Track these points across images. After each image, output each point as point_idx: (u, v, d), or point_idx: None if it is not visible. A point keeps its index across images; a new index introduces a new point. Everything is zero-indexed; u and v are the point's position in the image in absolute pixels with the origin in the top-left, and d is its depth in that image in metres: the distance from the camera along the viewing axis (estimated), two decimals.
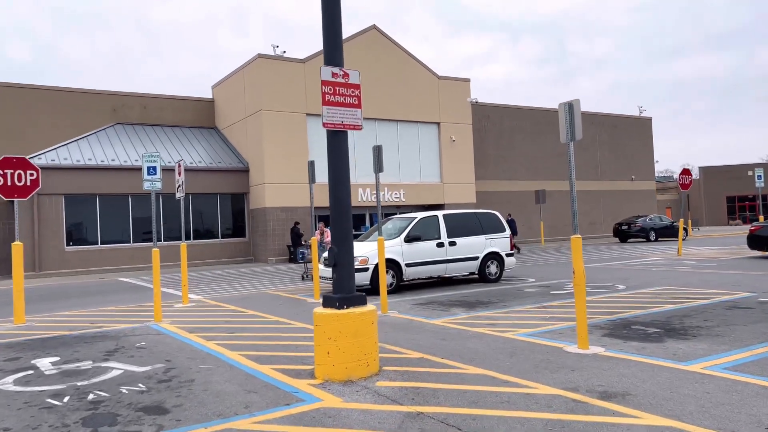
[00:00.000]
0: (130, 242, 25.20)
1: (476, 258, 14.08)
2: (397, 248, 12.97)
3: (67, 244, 23.94)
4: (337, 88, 6.23)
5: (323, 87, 6.17)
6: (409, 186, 29.86)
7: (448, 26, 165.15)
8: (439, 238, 13.61)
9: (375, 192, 29.48)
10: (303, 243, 25.52)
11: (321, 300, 12.59)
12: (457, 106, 31.64)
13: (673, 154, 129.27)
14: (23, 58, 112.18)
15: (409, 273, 13.09)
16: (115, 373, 6.70)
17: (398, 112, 29.69)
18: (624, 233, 32.62)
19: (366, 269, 12.54)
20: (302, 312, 10.78)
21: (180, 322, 10.18)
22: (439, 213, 14.01)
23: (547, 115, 37.71)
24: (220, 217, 27.47)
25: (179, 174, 12.62)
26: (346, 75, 6.26)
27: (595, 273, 15.62)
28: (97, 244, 24.56)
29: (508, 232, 14.78)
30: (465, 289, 13.23)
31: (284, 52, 27.68)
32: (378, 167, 10.53)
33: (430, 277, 13.65)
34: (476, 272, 14.18)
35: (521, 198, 35.84)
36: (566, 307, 10.08)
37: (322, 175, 28.84)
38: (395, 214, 31.69)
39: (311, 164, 12.93)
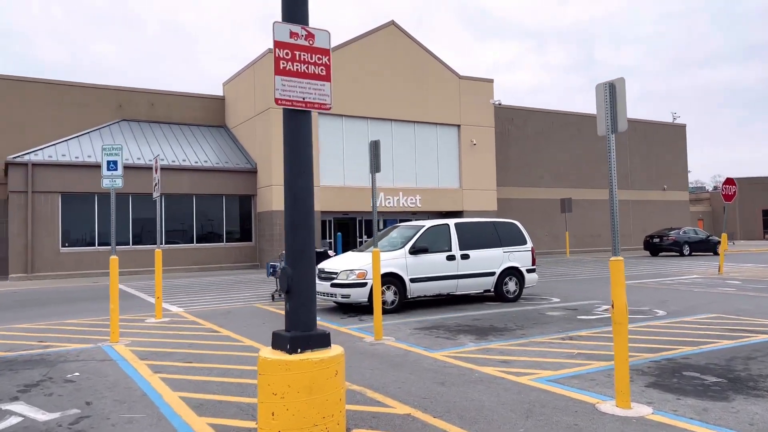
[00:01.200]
0: (129, 244, 23.96)
1: (492, 274, 12.37)
2: (400, 261, 11.34)
3: (63, 245, 22.77)
4: (298, 53, 4.66)
5: (277, 50, 4.60)
6: (425, 191, 28.20)
7: (473, 33, 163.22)
8: (450, 250, 11.94)
9: (389, 197, 28.03)
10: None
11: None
12: (479, 107, 29.91)
13: (703, 164, 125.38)
14: (56, 59, 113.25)
15: (414, 289, 11.44)
16: (10, 422, 5.18)
17: (416, 113, 28.08)
18: (655, 246, 30.50)
19: (364, 284, 10.93)
20: None
21: (138, 344, 8.67)
22: (451, 221, 12.34)
23: (575, 119, 35.75)
24: (225, 220, 26.13)
25: (155, 171, 11.16)
26: (310, 36, 4.67)
27: (628, 293, 13.80)
28: (94, 245, 23.35)
29: (529, 244, 13.04)
30: (478, 310, 11.52)
31: None
32: (375, 166, 8.93)
33: (439, 295, 11.96)
34: (492, 290, 12.47)
35: (545, 206, 33.91)
36: (597, 339, 8.34)
37: (329, 176, 27.59)
38: (410, 220, 30.02)
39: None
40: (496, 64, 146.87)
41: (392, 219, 29.19)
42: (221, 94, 30.27)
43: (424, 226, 12.04)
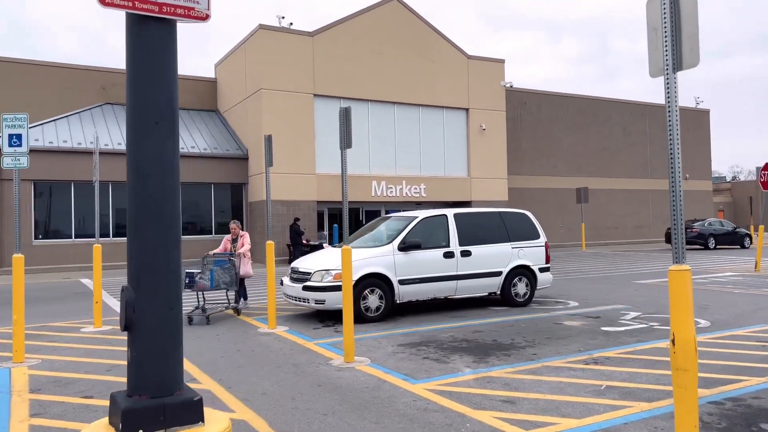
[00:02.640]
0: (109, 236, 22.26)
1: (498, 273, 10.44)
2: (387, 259, 9.44)
3: (36, 237, 21.11)
4: None
5: None
6: (431, 180, 26.23)
7: (488, 24, 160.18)
8: (448, 245, 10.02)
9: (392, 186, 26.11)
10: (305, 243, 22.21)
11: (275, 329, 9.26)
12: (488, 90, 27.83)
13: (721, 155, 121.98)
14: (71, 50, 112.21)
15: (403, 293, 9.54)
16: None
17: (421, 96, 26.06)
18: None
19: (339, 286, 9.04)
20: (228, 353, 7.37)
21: (45, 366, 6.89)
22: (449, 212, 10.41)
23: (592, 104, 33.51)
24: (214, 210, 24.35)
25: (95, 153, 9.35)
26: None
27: (656, 294, 11.79)
28: (71, 237, 21.67)
29: (542, 238, 11.08)
30: (480, 318, 9.60)
31: (291, 24, 24.34)
32: (346, 141, 7.03)
33: (435, 299, 10.04)
34: (498, 292, 10.54)
35: (560, 196, 31.81)
36: (630, 363, 6.41)
37: (326, 163, 25.66)
38: (400, 211, 27.87)
39: (268, 140, 9.45)
40: (510, 55, 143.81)
41: (395, 210, 27.25)
42: (213, 77, 28.43)
43: (416, 217, 10.12)
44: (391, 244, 9.59)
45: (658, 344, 7.40)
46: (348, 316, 6.80)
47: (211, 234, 24.12)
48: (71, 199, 21.76)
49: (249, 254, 10.89)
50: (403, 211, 25.15)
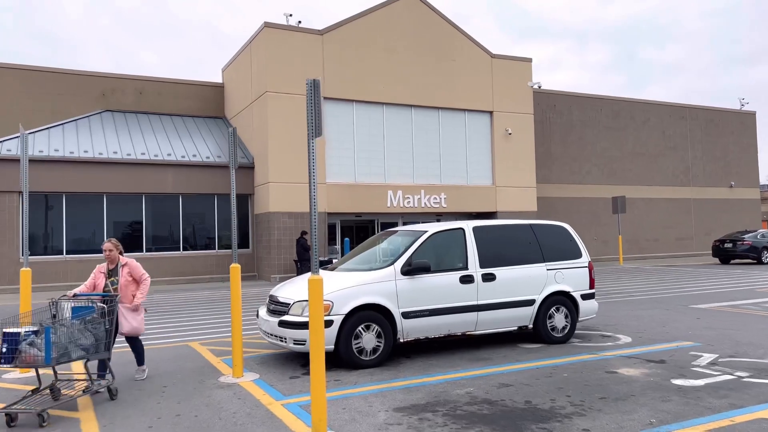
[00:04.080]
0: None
1: (530, 302, 8.29)
2: (387, 285, 7.37)
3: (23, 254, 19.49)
4: None
5: None
6: (452, 189, 24.11)
7: (512, 33, 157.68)
8: (466, 267, 7.92)
9: (409, 196, 24.05)
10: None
11: (240, 377, 7.21)
12: (515, 91, 25.68)
13: (760, 162, 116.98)
14: (103, 66, 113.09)
15: (409, 329, 7.46)
16: None
17: (441, 98, 24.04)
18: (727, 253, 25.70)
19: (329, 323, 7.01)
20: (163, 418, 5.37)
21: None
22: (467, 224, 8.31)
23: (627, 106, 31.07)
24: (217, 223, 22.57)
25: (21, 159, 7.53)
26: None
27: (725, 325, 9.48)
28: (62, 254, 20.05)
29: (585, 257, 8.91)
30: (508, 361, 7.46)
31: (299, 22, 22.58)
32: (315, 128, 5.03)
33: (449, 335, 7.91)
34: (530, 326, 8.38)
35: (594, 206, 29.37)
36: None
37: (338, 172, 23.59)
38: (417, 223, 25.58)
39: (233, 133, 7.45)
40: (536, 64, 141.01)
41: (412, 222, 25.19)
42: (220, 81, 26.82)
43: (425, 231, 8.04)
44: (392, 266, 7.52)
45: (764, 413, 5.19)
46: (316, 361, 4.76)
47: (215, 249, 22.32)
48: (62, 212, 20.17)
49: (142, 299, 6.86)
50: (422, 223, 23.09)
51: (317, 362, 4.81)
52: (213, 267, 22.04)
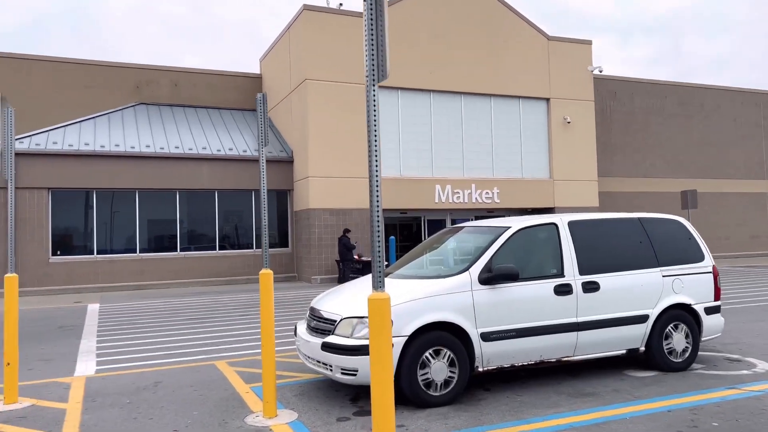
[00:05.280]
0: (135, 251, 19.47)
1: (642, 319, 6.45)
2: (462, 297, 5.67)
3: (53, 254, 18.54)
4: None
5: None
6: (505, 183, 22.20)
7: (552, 28, 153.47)
8: (561, 274, 6.15)
9: (458, 190, 22.25)
10: (356, 259, 18.71)
11: (273, 418, 4.95)
12: (573, 76, 23.58)
13: None
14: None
15: (490, 354, 5.73)
16: None
17: (493, 84, 22.15)
18: None
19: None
20: None
21: None
22: (561, 219, 6.53)
23: (695, 92, 28.52)
24: (255, 221, 21.22)
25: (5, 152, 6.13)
26: None
27: None
28: (92, 253, 19.00)
29: (708, 260, 7.01)
30: (623, 404, 5.66)
31: (340, 4, 21.02)
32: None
33: (540, 362, 6.12)
34: (642, 348, 6.53)
35: (660, 201, 26.98)
36: None
37: (385, 165, 21.84)
38: (487, 218, 23.62)
39: (261, 99, 5.79)
40: None
41: (463, 220, 23.38)
42: (258, 72, 25.53)
43: (507, 228, 6.29)
44: (467, 272, 5.81)
45: None
46: (386, 416, 3.10)
47: (252, 248, 20.98)
48: (93, 210, 19.12)
49: None
50: (473, 220, 21.24)
51: (383, 415, 3.15)
52: (251, 267, 20.70)
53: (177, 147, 20.19)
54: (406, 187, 20.66)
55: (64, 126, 20.06)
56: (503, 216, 24.22)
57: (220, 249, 20.55)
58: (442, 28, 21.38)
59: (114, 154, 19.07)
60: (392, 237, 19.30)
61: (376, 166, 3.51)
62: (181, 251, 19.99)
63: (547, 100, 23.21)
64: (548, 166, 23.21)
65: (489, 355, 5.75)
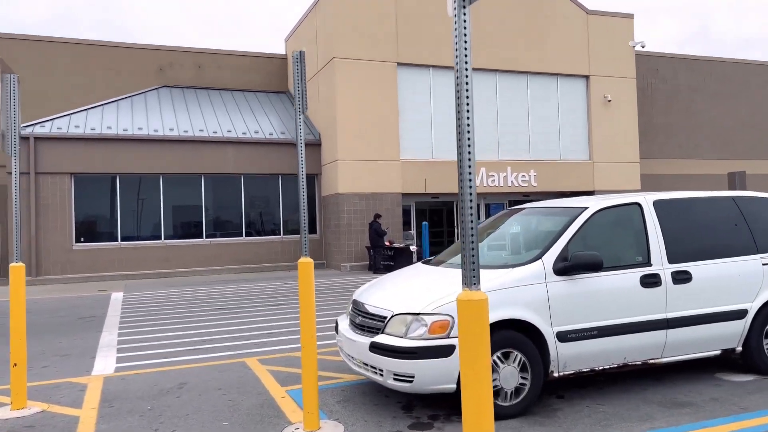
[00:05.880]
0: (160, 238, 18.94)
1: (740, 315, 5.52)
2: (534, 291, 4.80)
3: (77, 240, 18.08)
4: None
5: None
6: (543, 165, 21.15)
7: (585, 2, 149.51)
8: (648, 262, 5.24)
9: (493, 173, 21.24)
10: (387, 245, 17.92)
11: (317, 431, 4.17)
12: (614, 52, 22.32)
13: None
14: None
15: (568, 356, 4.87)
16: None
17: (529, 61, 21.04)
18: None
19: (448, 350, 4.50)
20: None
21: None
22: (645, 198, 5.60)
23: (742, 68, 26.98)
24: (282, 207, 20.53)
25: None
26: None
27: None
28: (117, 240, 18.51)
29: None
30: (729, 418, 4.77)
31: None
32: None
33: (623, 365, 5.22)
34: (738, 348, 5.59)
35: (704, 184, 25.65)
36: None
37: (413, 147, 21.04)
38: (525, 203, 22.61)
39: (299, 58, 4.95)
40: None
41: (497, 204, 22.43)
42: (283, 53, 24.74)
43: (585, 208, 5.38)
44: (539, 261, 4.94)
45: None
46: None
47: (279, 235, 20.32)
48: (116, 195, 18.60)
49: None
50: (508, 207, 20.29)
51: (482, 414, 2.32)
52: (278, 254, 20.05)
53: (201, 130, 19.54)
54: (438, 170, 19.75)
55: (86, 109, 19.53)
56: (539, 200, 23.15)
57: (246, 236, 19.92)
58: (478, 2, 20.28)
59: (137, 138, 18.49)
60: (425, 222, 18.46)
61: (469, 145, 2.67)
62: (206, 238, 19.41)
63: (587, 77, 22.02)
64: (588, 148, 22.07)
65: (566, 358, 4.88)
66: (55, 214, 17.72)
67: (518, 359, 4.71)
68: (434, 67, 19.96)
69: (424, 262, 6.14)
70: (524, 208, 6.28)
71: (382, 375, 4.74)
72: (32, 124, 17.88)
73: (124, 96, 21.03)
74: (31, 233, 17.27)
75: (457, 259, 5.83)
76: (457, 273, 5.17)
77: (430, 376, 4.51)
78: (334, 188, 19.14)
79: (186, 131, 19.28)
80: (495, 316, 4.63)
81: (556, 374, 4.89)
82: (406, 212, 20.76)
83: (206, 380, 6.16)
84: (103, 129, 18.47)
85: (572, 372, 4.96)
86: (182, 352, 7.61)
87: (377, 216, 18.05)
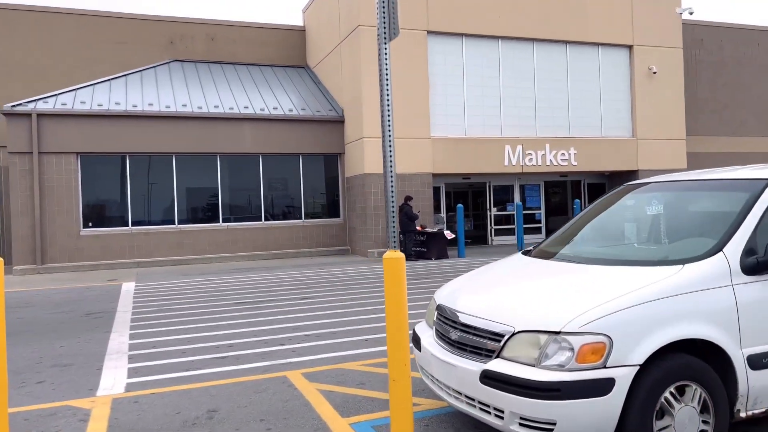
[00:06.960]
0: (174, 223, 17.62)
1: None
2: (715, 297, 3.38)
3: (85, 226, 16.80)
4: None
5: None
6: (583, 143, 19.57)
7: None
8: None
9: (530, 152, 19.69)
10: (419, 229, 16.51)
11: None
12: (659, 20, 20.58)
13: None
14: None
15: (759, 389, 3.44)
16: None
17: (568, 30, 19.37)
18: None
19: (608, 384, 3.07)
20: None
21: None
22: None
23: None
24: (303, 189, 19.12)
25: None
26: None
27: None
28: (127, 225, 17.21)
29: None
30: None
31: None
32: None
33: None
34: None
35: (751, 162, 23.88)
36: None
37: (444, 124, 19.53)
38: (560, 184, 21.09)
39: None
40: None
41: (533, 185, 20.94)
42: (301, 24, 23.17)
43: (765, 180, 3.90)
44: (720, 254, 3.49)
45: None
46: None
47: (300, 219, 18.94)
48: (127, 176, 17.27)
49: None
50: (544, 188, 18.86)
51: None
52: (299, 240, 18.69)
53: (216, 106, 18.11)
54: (471, 148, 18.24)
55: (92, 84, 18.14)
56: (579, 180, 21.63)
57: (265, 220, 18.55)
58: None
59: (148, 114, 17.10)
60: (460, 205, 17.01)
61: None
62: (222, 222, 18.07)
63: (630, 47, 20.31)
64: (631, 124, 20.43)
65: (758, 391, 3.46)
66: (61, 198, 16.42)
67: (699, 396, 3.29)
68: (466, 35, 18.35)
69: (524, 253, 4.71)
70: (648, 183, 4.81)
71: (501, 418, 3.33)
72: (34, 100, 16.53)
73: (132, 71, 19.61)
74: (35, 218, 16.00)
75: (572, 249, 4.40)
76: (591, 271, 3.73)
77: (581, 423, 3.10)
78: (360, 168, 17.68)
79: (200, 107, 17.86)
80: (669, 335, 3.20)
81: (743, 414, 3.47)
82: (438, 194, 19.36)
83: (242, 405, 4.79)
84: (111, 105, 17.08)
85: (762, 410, 3.54)
86: (206, 361, 6.26)
87: (408, 198, 16.61)
